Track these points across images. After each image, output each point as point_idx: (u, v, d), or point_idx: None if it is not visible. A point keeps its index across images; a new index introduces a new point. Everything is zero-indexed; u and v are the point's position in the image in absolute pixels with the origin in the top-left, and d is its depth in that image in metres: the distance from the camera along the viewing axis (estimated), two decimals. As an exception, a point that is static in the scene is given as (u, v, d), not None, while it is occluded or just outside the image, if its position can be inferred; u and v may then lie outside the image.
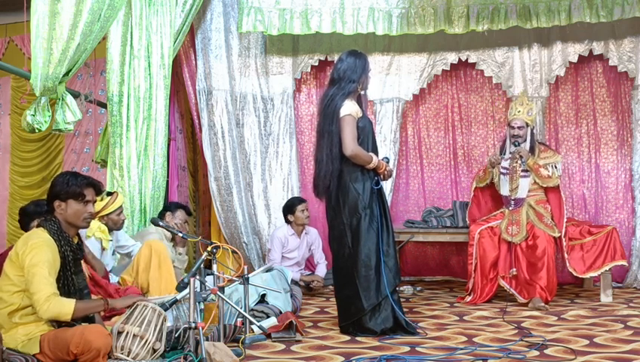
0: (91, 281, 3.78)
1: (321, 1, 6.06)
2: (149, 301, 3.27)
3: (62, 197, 3.12)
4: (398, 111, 6.47)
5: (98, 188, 3.26)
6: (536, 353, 3.51)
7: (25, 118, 4.30)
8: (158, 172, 5.48)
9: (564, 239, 5.21)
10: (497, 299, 5.26)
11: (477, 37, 6.25)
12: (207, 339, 3.48)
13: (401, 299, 4.50)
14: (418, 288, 5.97)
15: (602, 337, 3.88)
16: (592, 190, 6.35)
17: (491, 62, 6.40)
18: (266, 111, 6.52)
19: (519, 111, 5.37)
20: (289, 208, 5.95)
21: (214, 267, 3.86)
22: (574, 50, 6.24)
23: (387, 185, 6.16)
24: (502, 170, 5.42)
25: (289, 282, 4.96)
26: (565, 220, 5.26)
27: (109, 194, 4.52)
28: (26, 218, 4.06)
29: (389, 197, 6.20)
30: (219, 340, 3.60)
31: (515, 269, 5.17)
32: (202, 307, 3.68)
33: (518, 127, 5.34)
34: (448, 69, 6.52)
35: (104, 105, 5.66)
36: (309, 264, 6.30)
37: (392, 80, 6.49)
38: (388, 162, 4.19)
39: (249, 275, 4.06)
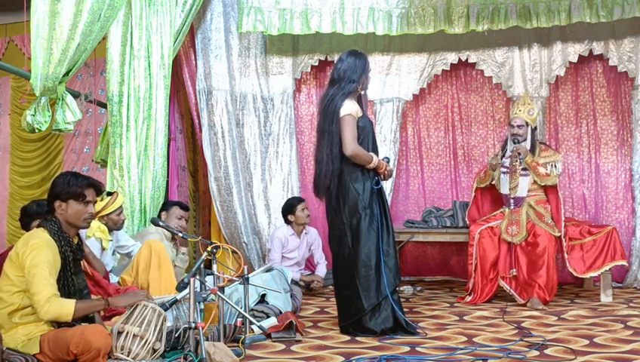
0: (92, 281, 3.78)
1: (321, 1, 6.06)
2: (149, 300, 3.27)
3: (62, 197, 3.12)
4: (398, 111, 6.47)
5: (98, 189, 3.26)
6: (536, 353, 3.51)
7: (25, 118, 4.30)
8: (158, 172, 5.48)
9: (564, 239, 5.21)
10: (497, 299, 5.26)
11: (477, 37, 6.25)
12: (207, 339, 3.48)
13: (401, 299, 4.50)
14: (418, 288, 5.97)
15: (602, 337, 3.88)
16: (592, 190, 6.35)
17: (491, 62, 6.40)
18: (266, 111, 6.52)
19: (520, 110, 5.38)
20: (289, 208, 5.95)
21: (214, 267, 3.86)
22: (574, 50, 6.24)
23: (387, 185, 6.16)
24: (502, 169, 5.43)
25: (289, 282, 4.96)
26: (564, 220, 5.26)
27: (109, 194, 4.52)
28: (28, 218, 4.06)
29: (389, 197, 6.20)
30: (219, 340, 3.60)
31: (515, 270, 5.17)
32: (202, 307, 3.68)
33: (518, 126, 5.35)
34: (448, 69, 6.52)
35: (104, 105, 5.66)
36: (309, 264, 6.30)
37: (392, 80, 6.49)
38: (388, 162, 4.19)
39: (249, 275, 4.06)
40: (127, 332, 3.10)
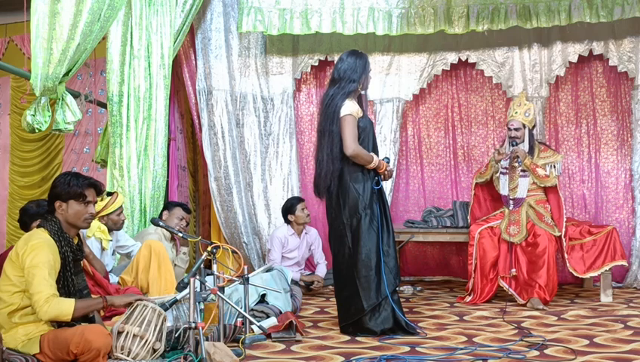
0: (92, 281, 3.78)
1: (321, 1, 6.06)
2: (148, 300, 3.27)
3: (63, 197, 3.12)
4: (398, 111, 6.47)
5: (99, 189, 3.26)
6: (536, 353, 3.51)
7: (25, 118, 4.30)
8: (158, 172, 5.48)
9: (564, 239, 5.21)
10: (497, 299, 5.26)
11: (477, 37, 6.25)
12: (207, 339, 3.48)
13: (401, 299, 4.50)
14: (418, 288, 5.97)
15: (602, 337, 3.88)
16: (592, 190, 6.35)
17: (491, 62, 6.40)
18: (266, 111, 6.52)
19: (516, 113, 5.37)
20: (289, 209, 5.95)
21: (214, 267, 3.86)
22: (574, 50, 6.24)
23: (387, 185, 6.16)
24: (501, 170, 5.43)
25: (289, 282, 4.96)
26: (565, 220, 5.26)
27: (109, 194, 4.52)
28: (28, 218, 4.05)
29: (389, 197, 6.20)
30: (219, 340, 3.60)
31: (514, 270, 5.17)
32: (202, 307, 3.68)
33: (515, 129, 5.35)
34: (448, 68, 6.52)
35: (104, 105, 5.67)
36: (309, 264, 6.30)
37: (392, 80, 6.49)
38: (388, 162, 4.19)
39: (249, 275, 4.06)
40: (127, 332, 3.10)
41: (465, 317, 4.60)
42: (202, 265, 3.66)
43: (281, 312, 4.29)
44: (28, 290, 2.96)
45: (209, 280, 3.82)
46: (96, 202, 3.27)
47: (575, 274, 5.24)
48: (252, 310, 4.20)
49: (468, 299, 5.25)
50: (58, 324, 3.04)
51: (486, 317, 4.62)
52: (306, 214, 5.93)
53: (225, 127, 6.32)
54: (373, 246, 4.02)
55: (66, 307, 2.93)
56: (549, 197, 5.36)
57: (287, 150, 6.50)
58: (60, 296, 2.99)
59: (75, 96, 4.89)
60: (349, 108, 4.04)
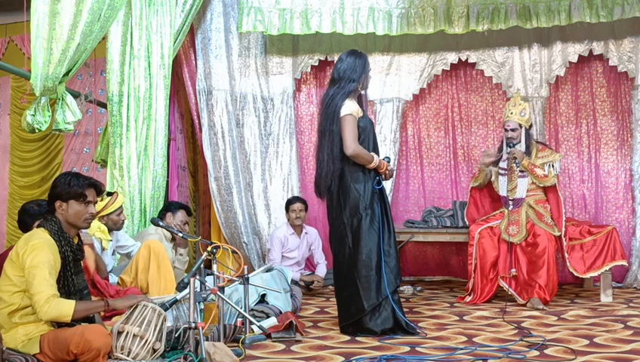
0: (90, 282, 3.78)
1: (321, 1, 6.06)
2: (149, 301, 3.27)
3: (63, 197, 3.12)
4: (398, 111, 6.47)
5: (99, 189, 3.26)
6: (536, 353, 3.51)
7: (25, 118, 4.29)
8: (158, 172, 5.48)
9: (564, 239, 5.21)
10: (497, 299, 5.26)
11: (477, 37, 6.25)
12: (207, 339, 3.48)
13: (401, 299, 4.50)
14: (418, 288, 5.97)
15: (602, 337, 3.88)
16: (592, 190, 6.35)
17: (491, 62, 6.40)
18: (266, 111, 6.52)
19: (512, 113, 5.36)
20: (286, 206, 6.02)
21: (214, 267, 3.86)
22: (574, 50, 6.24)
23: (387, 185, 6.15)
24: (500, 171, 5.43)
25: (289, 282, 4.96)
26: (564, 219, 5.25)
27: (109, 194, 4.51)
28: (29, 218, 4.03)
29: (389, 197, 6.20)
30: (219, 340, 3.60)
31: (514, 270, 5.17)
32: (202, 307, 3.68)
33: (511, 129, 5.35)
34: (448, 68, 6.52)
35: (104, 105, 5.67)
36: (309, 264, 6.30)
37: (392, 80, 6.49)
38: (389, 162, 4.19)
39: (249, 275, 4.06)
40: (127, 332, 3.10)
41: (465, 317, 4.60)
42: (202, 265, 3.65)
43: (281, 312, 4.29)
44: (28, 290, 2.96)
45: (209, 280, 3.82)
46: (96, 202, 3.27)
47: (575, 274, 5.24)
48: (252, 310, 4.20)
49: (468, 299, 5.25)
50: (58, 324, 3.03)
51: (486, 317, 4.62)
52: (294, 216, 5.93)
53: (225, 127, 6.32)
54: (374, 246, 4.02)
55: (66, 308, 2.93)
56: (548, 197, 5.36)
57: (287, 150, 6.50)
58: (60, 296, 2.99)
59: (75, 96, 4.89)
60: (349, 108, 4.03)
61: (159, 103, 5.51)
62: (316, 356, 3.51)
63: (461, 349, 3.61)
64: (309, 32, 6.11)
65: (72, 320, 2.96)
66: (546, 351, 3.54)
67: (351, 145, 3.99)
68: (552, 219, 5.26)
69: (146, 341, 3.11)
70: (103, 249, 4.37)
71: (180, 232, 4.51)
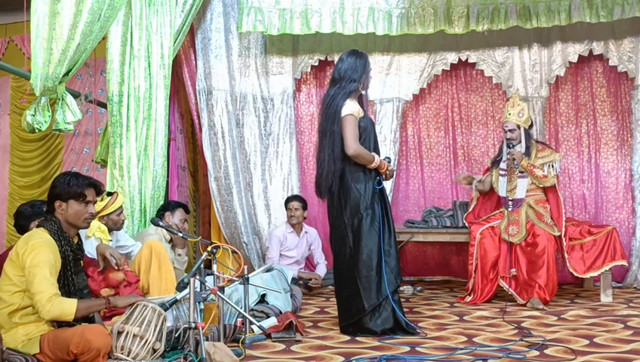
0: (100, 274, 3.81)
1: (321, 1, 6.06)
2: (149, 301, 3.27)
3: (63, 197, 3.12)
4: (398, 111, 6.47)
5: (98, 189, 3.26)
6: (536, 353, 3.51)
7: (25, 118, 4.29)
8: (158, 172, 5.48)
9: (564, 239, 5.21)
10: (497, 299, 5.26)
11: (477, 37, 6.25)
12: (207, 339, 3.48)
13: (401, 299, 4.50)
14: (418, 288, 5.97)
15: (602, 337, 3.88)
16: (592, 190, 6.35)
17: (491, 62, 6.40)
18: (266, 111, 6.52)
19: (510, 114, 5.37)
20: (284, 204, 6.04)
21: (214, 267, 3.86)
22: (574, 50, 6.24)
23: (387, 185, 6.14)
24: (500, 172, 5.43)
25: (289, 282, 4.96)
26: (564, 219, 5.25)
27: (109, 194, 4.51)
28: (24, 220, 4.03)
29: (389, 197, 6.19)
30: (219, 340, 3.60)
31: (514, 269, 5.17)
32: (202, 307, 3.68)
33: (510, 130, 5.35)
34: (448, 68, 6.52)
35: (104, 105, 5.66)
36: (309, 264, 6.30)
37: (392, 80, 6.49)
38: (389, 162, 4.19)
39: (249, 275, 4.06)
40: (127, 332, 3.10)
41: (465, 317, 4.60)
42: (202, 265, 3.65)
43: (281, 312, 4.29)
44: (29, 290, 2.96)
45: (209, 280, 3.82)
46: (95, 202, 3.27)
47: (575, 274, 5.24)
48: (252, 310, 4.20)
49: (468, 299, 5.25)
50: (58, 324, 3.03)
51: (486, 317, 4.62)
52: (290, 215, 5.96)
53: (225, 127, 6.32)
54: (375, 247, 4.02)
55: (69, 307, 2.94)
56: (548, 197, 5.35)
57: (287, 150, 6.50)
58: (61, 295, 2.99)
59: (75, 96, 4.88)
60: (350, 108, 4.04)
61: (159, 103, 5.50)
62: (316, 356, 3.51)
63: (461, 349, 3.61)
64: (309, 32, 6.11)
65: (74, 318, 2.96)
66: (546, 351, 3.54)
67: (352, 145, 3.99)
68: (551, 219, 5.26)
69: (146, 341, 3.11)
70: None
71: (180, 232, 4.51)
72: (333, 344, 3.80)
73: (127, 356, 3.07)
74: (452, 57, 6.46)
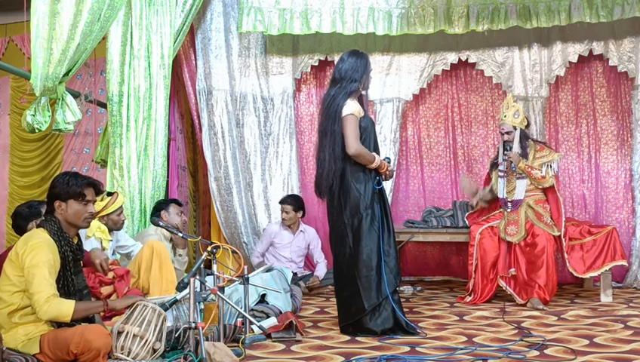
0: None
1: (321, 1, 6.06)
2: (149, 301, 3.27)
3: (62, 197, 3.12)
4: (398, 111, 6.47)
5: (98, 188, 3.26)
6: (536, 353, 3.51)
7: (25, 118, 4.29)
8: (158, 172, 5.48)
9: (564, 239, 5.21)
10: (497, 299, 5.26)
11: (477, 37, 6.25)
12: (207, 339, 3.48)
13: (401, 299, 4.50)
14: (418, 288, 5.97)
15: (602, 337, 3.88)
16: (592, 190, 6.35)
17: (491, 62, 6.40)
18: (266, 111, 6.52)
19: (505, 116, 5.36)
20: (279, 203, 6.06)
21: (214, 267, 3.86)
22: (574, 50, 6.24)
23: (387, 185, 6.15)
24: (500, 173, 5.43)
25: (289, 282, 4.96)
26: (564, 219, 5.25)
27: (110, 194, 4.51)
28: (22, 221, 4.03)
29: (389, 197, 6.19)
30: (219, 340, 3.60)
31: (514, 269, 5.17)
32: (202, 307, 3.68)
33: (506, 132, 5.35)
34: (448, 68, 6.52)
35: (104, 105, 5.66)
36: (309, 264, 6.30)
37: (392, 80, 6.49)
38: (389, 162, 4.19)
39: (249, 275, 4.06)
40: (127, 332, 3.10)
41: (465, 317, 4.60)
42: (202, 265, 3.65)
43: (281, 312, 4.29)
44: (28, 290, 2.96)
45: (209, 280, 3.82)
46: (95, 201, 3.27)
47: (575, 274, 5.23)
48: (252, 310, 4.20)
49: (468, 299, 5.25)
50: (58, 324, 3.03)
51: (486, 317, 4.62)
52: (282, 217, 5.95)
53: (225, 127, 6.32)
54: (375, 246, 4.02)
55: (66, 308, 2.93)
56: (548, 197, 5.35)
57: (287, 150, 6.50)
58: (60, 295, 2.99)
59: (75, 96, 4.89)
60: (351, 107, 4.04)
61: (159, 103, 5.50)
62: (316, 356, 3.51)
63: (461, 349, 3.61)
64: (309, 32, 6.11)
65: (72, 320, 2.96)
66: (546, 351, 3.54)
67: (353, 144, 3.99)
68: (551, 219, 5.26)
69: (146, 341, 3.11)
70: (103, 249, 4.37)
71: (181, 232, 4.51)
72: (333, 344, 3.80)
73: (127, 356, 3.07)
74: (452, 57, 6.46)
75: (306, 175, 6.61)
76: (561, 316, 4.63)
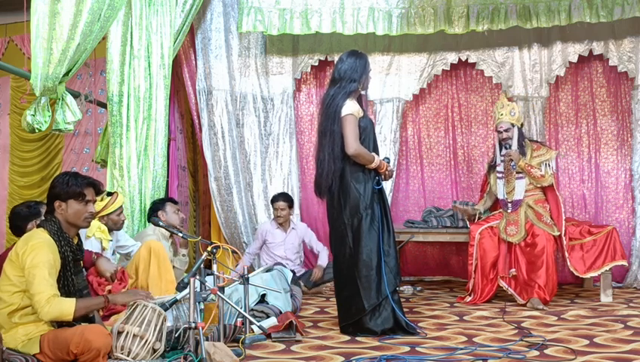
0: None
1: (321, 1, 6.06)
2: (149, 299, 3.27)
3: (62, 197, 3.12)
4: (398, 111, 6.47)
5: (98, 188, 3.26)
6: (536, 353, 3.51)
7: (25, 118, 4.29)
8: (158, 172, 5.48)
9: (564, 238, 5.20)
10: (497, 299, 5.26)
11: (477, 37, 6.25)
12: (207, 339, 3.48)
13: (401, 299, 4.50)
14: (418, 288, 5.97)
15: (602, 337, 3.88)
16: (592, 190, 6.35)
17: (491, 62, 6.40)
18: (266, 111, 6.52)
19: (502, 114, 5.36)
20: (271, 202, 6.06)
21: (214, 267, 3.86)
22: (574, 50, 6.24)
23: (387, 185, 6.16)
24: (498, 175, 5.42)
25: (289, 282, 4.96)
26: (564, 218, 5.25)
27: (109, 194, 4.51)
28: (21, 221, 4.01)
29: (389, 197, 6.20)
30: (219, 340, 3.60)
31: (514, 269, 5.17)
32: (202, 307, 3.68)
33: (505, 130, 5.35)
34: (448, 68, 6.52)
35: (104, 105, 5.66)
36: (308, 263, 6.29)
37: (392, 80, 6.49)
38: (388, 162, 4.19)
39: (249, 275, 4.06)
40: (127, 332, 3.10)
41: (465, 317, 4.60)
42: (202, 265, 3.65)
43: (281, 312, 4.29)
44: (28, 290, 2.96)
45: (209, 280, 3.82)
46: (95, 201, 3.26)
47: (576, 273, 5.23)
48: (252, 310, 4.20)
49: (468, 299, 5.24)
50: (58, 324, 3.03)
51: (486, 317, 4.62)
52: (276, 214, 5.94)
53: (225, 127, 6.32)
54: (374, 246, 4.02)
55: (67, 307, 2.93)
56: (547, 197, 5.35)
57: (287, 150, 6.50)
58: (60, 295, 2.99)
59: (75, 96, 4.89)
60: (350, 107, 4.04)
61: (159, 103, 5.50)
62: (316, 356, 3.51)
63: (461, 349, 3.61)
64: (309, 32, 6.11)
65: (74, 318, 2.96)
66: (546, 351, 3.54)
67: (352, 144, 3.99)
68: (551, 218, 5.26)
69: (146, 341, 3.11)
70: (103, 249, 4.37)
71: (181, 232, 4.51)
72: (333, 344, 3.80)
73: (127, 356, 3.07)
74: (452, 57, 6.46)
75: (306, 175, 6.61)
76: (561, 316, 4.63)
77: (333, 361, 3.40)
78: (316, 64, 6.58)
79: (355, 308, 4.02)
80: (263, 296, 4.46)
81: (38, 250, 2.97)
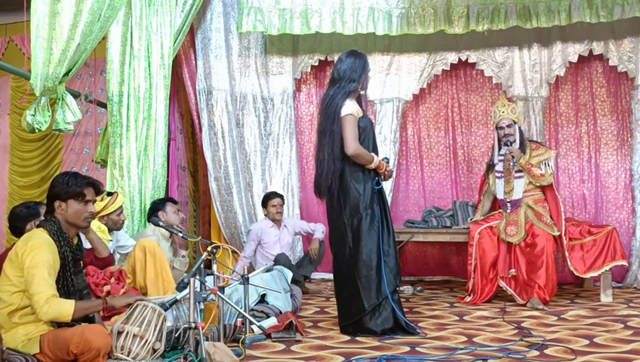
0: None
1: (321, 1, 6.06)
2: (148, 300, 3.27)
3: (62, 197, 3.12)
4: (398, 111, 6.47)
5: (98, 188, 3.26)
6: (536, 353, 3.51)
7: (25, 118, 4.29)
8: (158, 172, 5.48)
9: (564, 238, 5.20)
10: (497, 299, 5.26)
11: (477, 37, 6.26)
12: (207, 339, 3.48)
13: (401, 299, 4.49)
14: (418, 288, 5.97)
15: (602, 337, 3.88)
16: (592, 190, 6.35)
17: (491, 62, 6.40)
18: (266, 111, 6.52)
19: (503, 112, 5.36)
20: (263, 202, 5.96)
21: (214, 267, 3.86)
22: (574, 50, 6.24)
23: (387, 185, 6.16)
24: (497, 174, 5.42)
25: (289, 282, 4.96)
26: (564, 218, 5.24)
27: (109, 194, 4.51)
28: (19, 221, 4.00)
29: (389, 197, 6.20)
30: (219, 340, 3.60)
31: (514, 270, 5.17)
32: (202, 307, 3.68)
33: (507, 126, 5.33)
34: (448, 68, 6.52)
35: (104, 105, 5.67)
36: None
37: (392, 80, 6.50)
38: (388, 162, 4.19)
39: (249, 275, 4.06)
40: (127, 332, 3.10)
41: (465, 317, 4.60)
42: (202, 265, 3.65)
43: (281, 312, 4.29)
44: (28, 290, 2.96)
45: (209, 280, 3.82)
46: (95, 201, 3.26)
47: (576, 273, 5.22)
48: (252, 310, 4.20)
49: (468, 299, 5.24)
50: (58, 324, 3.03)
51: (486, 317, 4.62)
52: (275, 211, 5.86)
53: (225, 127, 6.32)
54: (374, 246, 4.02)
55: (66, 308, 2.93)
56: (547, 197, 5.34)
57: (287, 150, 6.50)
58: (60, 296, 2.98)
59: (75, 96, 4.89)
60: (350, 108, 4.04)
61: (159, 103, 5.50)
62: (316, 356, 3.51)
63: (461, 349, 3.61)
64: (309, 32, 6.11)
65: (72, 319, 2.96)
66: (546, 351, 3.54)
67: (352, 144, 3.99)
68: (551, 218, 5.25)
69: (146, 341, 3.11)
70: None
71: (180, 232, 4.51)
72: (333, 344, 3.80)
73: (127, 356, 3.07)
74: (452, 57, 6.47)
75: (306, 175, 6.61)
76: (561, 316, 4.63)
77: (333, 361, 3.40)
78: (316, 64, 6.59)
79: (355, 308, 4.02)
80: (263, 295, 4.46)
81: (38, 250, 2.97)
